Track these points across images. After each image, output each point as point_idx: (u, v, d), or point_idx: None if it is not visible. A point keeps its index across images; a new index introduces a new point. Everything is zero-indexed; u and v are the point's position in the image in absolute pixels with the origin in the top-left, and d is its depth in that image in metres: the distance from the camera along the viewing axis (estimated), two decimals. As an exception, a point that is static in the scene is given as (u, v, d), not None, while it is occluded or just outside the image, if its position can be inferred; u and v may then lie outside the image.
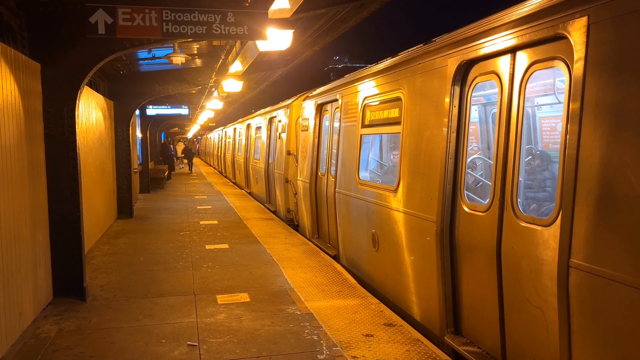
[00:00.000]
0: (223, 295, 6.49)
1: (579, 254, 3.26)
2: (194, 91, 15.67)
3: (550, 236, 3.66)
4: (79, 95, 6.37)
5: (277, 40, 6.78)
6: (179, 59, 9.59)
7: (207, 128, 49.05)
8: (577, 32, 3.35)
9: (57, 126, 6.28)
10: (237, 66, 10.51)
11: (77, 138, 6.37)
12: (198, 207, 14.87)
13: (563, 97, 3.68)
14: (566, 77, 3.58)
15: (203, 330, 5.30)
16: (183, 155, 35.98)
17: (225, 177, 27.86)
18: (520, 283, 4.03)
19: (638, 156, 2.93)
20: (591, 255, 3.18)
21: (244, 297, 6.40)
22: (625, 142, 3.01)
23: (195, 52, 12.03)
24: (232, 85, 12.72)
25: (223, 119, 41.48)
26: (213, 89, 15.74)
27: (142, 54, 11.33)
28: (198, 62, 13.17)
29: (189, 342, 4.99)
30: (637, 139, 2.94)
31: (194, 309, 5.98)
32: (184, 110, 20.08)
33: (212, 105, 20.45)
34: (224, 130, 30.05)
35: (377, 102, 6.95)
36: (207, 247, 9.38)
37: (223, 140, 30.03)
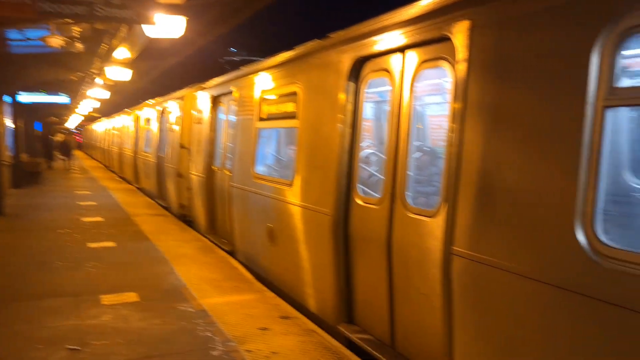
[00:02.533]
0: (109, 295, 6.12)
1: (461, 242, 3.48)
2: (75, 78, 14.57)
3: (436, 226, 3.87)
4: None
5: (167, 27, 6.49)
6: (56, 42, 8.82)
7: (92, 119, 46.00)
8: (460, 35, 3.56)
9: None
10: (123, 53, 9.93)
11: None
12: (80, 204, 13.90)
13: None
14: (450, 77, 3.80)
15: (86, 333, 4.96)
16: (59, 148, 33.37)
17: (112, 171, 26.37)
18: (408, 272, 4.22)
19: (512, 152, 3.19)
20: (471, 244, 3.41)
21: (132, 296, 6.08)
22: (502, 139, 3.26)
23: (77, 35, 11.17)
24: (119, 73, 11.99)
25: (110, 109, 39.11)
26: (97, 77, 14.76)
27: (13, 34, 10.31)
28: (80, 46, 12.23)
29: (69, 346, 4.64)
30: (512, 136, 3.20)
31: (76, 311, 5.57)
32: (64, 99, 18.60)
33: (97, 94, 19.19)
34: (110, 122, 28.41)
35: (274, 96, 6.93)
36: (91, 245, 8.79)
37: (109, 132, 28.39)
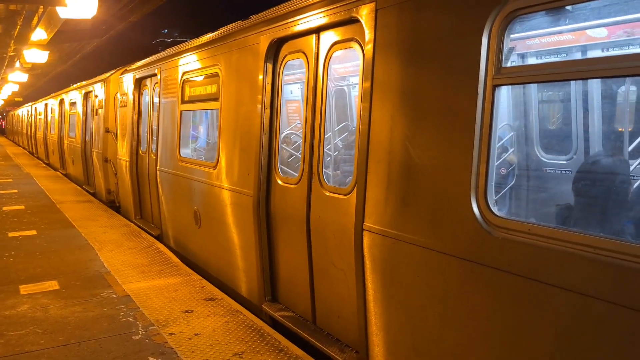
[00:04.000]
0: (27, 285, 5.91)
1: (371, 218, 3.63)
2: (-9, 60, 13.75)
3: (350, 204, 4.00)
4: None
5: (80, 7, 6.23)
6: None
7: (14, 103, 43.50)
8: (367, 17, 3.66)
9: None
10: (40, 34, 9.45)
11: None
12: (1, 192, 13.21)
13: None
14: (360, 58, 3.90)
15: (1, 324, 4.79)
16: None
17: (38, 158, 25.15)
18: (326, 249, 4.35)
19: (415, 130, 3.33)
20: (380, 218, 3.56)
21: (52, 285, 5.91)
22: (405, 117, 3.40)
23: (-10, 15, 10.54)
24: (37, 55, 11.39)
25: (33, 94, 37.14)
26: (16, 59, 13.97)
27: None
28: (-6, 26, 11.56)
29: (-18, 339, 4.49)
30: (415, 114, 3.34)
31: (-9, 302, 5.37)
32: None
33: (16, 78, 18.15)
34: (33, 106, 27.02)
35: (196, 78, 6.84)
36: (10, 234, 8.41)
37: (33, 117, 27.02)
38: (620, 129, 5.32)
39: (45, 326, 4.76)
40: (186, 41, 8.13)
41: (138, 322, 4.85)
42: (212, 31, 6.74)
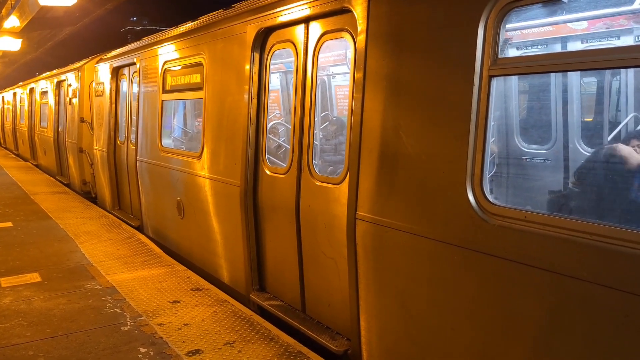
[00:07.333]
0: (8, 277, 5.79)
1: (364, 207, 3.66)
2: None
3: (341, 193, 4.04)
4: None
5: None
6: None
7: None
8: (359, 7, 3.68)
9: None
10: (13, 21, 9.17)
11: None
12: (-29, 183, 12.86)
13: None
14: (351, 48, 3.92)
15: (-17, 318, 4.70)
16: None
17: (6, 148, 24.52)
18: (316, 238, 4.38)
19: (408, 119, 3.37)
20: (373, 207, 3.60)
21: (34, 277, 5.80)
22: (398, 107, 3.44)
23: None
24: (8, 43, 11.05)
25: (2, 82, 36.06)
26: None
27: None
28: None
29: (-35, 333, 4.39)
30: (408, 104, 3.38)
31: (-29, 295, 5.25)
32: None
33: (-16, 65, 17.58)
34: (1, 95, 26.25)
35: (179, 67, 6.75)
36: (-15, 227, 8.22)
37: (1, 107, 26.28)
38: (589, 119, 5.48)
39: (30, 318, 4.68)
40: (158, 29, 8.02)
41: (125, 313, 4.80)
42: (189, 18, 6.66)
